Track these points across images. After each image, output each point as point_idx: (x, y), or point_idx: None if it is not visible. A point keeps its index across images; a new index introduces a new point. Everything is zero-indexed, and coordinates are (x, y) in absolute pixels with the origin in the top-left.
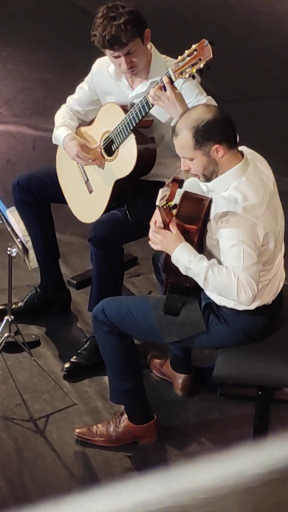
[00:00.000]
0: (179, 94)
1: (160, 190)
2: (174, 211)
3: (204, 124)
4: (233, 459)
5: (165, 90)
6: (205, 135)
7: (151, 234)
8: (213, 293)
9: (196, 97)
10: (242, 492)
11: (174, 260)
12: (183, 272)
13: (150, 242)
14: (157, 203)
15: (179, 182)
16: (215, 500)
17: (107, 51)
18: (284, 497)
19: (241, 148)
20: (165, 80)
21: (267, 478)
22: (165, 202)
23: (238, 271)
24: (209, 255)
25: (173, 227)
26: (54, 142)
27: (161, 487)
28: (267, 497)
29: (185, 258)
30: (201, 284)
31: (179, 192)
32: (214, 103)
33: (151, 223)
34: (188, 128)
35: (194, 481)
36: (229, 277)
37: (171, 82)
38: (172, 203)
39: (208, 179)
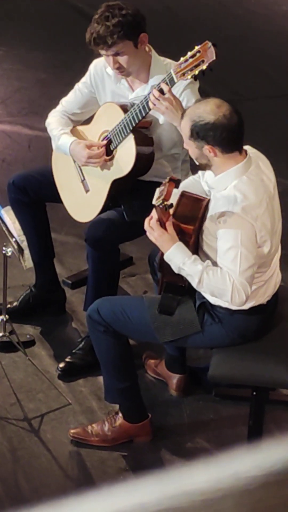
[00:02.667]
0: (177, 100)
1: (157, 189)
2: (171, 211)
3: (203, 124)
4: (230, 461)
5: (163, 94)
6: (199, 133)
7: (147, 227)
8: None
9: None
10: (239, 494)
11: (167, 259)
12: (176, 271)
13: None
14: (154, 202)
15: (176, 182)
16: (213, 502)
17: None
18: (282, 499)
19: (245, 147)
20: (165, 88)
21: (264, 480)
22: (161, 201)
23: (234, 275)
24: (205, 256)
25: (169, 226)
26: (57, 151)
27: (159, 488)
28: (265, 499)
29: (178, 259)
30: (194, 285)
31: (175, 192)
32: None
33: (146, 220)
34: (190, 119)
35: (192, 483)
36: (224, 281)
37: (171, 86)
38: (168, 202)
39: (202, 168)
